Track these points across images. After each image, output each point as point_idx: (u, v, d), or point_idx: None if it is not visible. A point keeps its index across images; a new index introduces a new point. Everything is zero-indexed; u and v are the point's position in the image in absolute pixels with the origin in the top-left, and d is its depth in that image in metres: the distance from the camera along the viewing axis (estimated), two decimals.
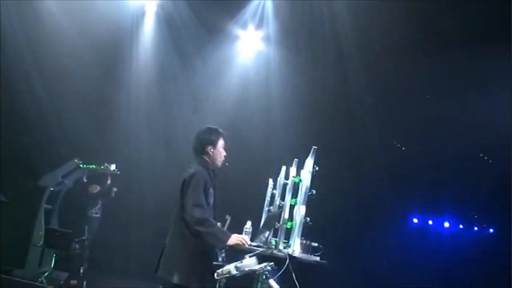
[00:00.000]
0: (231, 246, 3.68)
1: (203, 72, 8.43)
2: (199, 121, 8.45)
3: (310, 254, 4.04)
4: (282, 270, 3.44)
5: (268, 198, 4.76)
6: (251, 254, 3.42)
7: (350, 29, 8.08)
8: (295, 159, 4.22)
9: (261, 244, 3.85)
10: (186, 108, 8.56)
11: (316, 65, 8.56)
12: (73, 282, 6.63)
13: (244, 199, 7.08)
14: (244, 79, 8.62)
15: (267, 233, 4.24)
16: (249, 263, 3.37)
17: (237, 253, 3.71)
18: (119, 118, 8.31)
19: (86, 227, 7.04)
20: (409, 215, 10.46)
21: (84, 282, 6.63)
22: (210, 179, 3.90)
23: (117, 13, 7.49)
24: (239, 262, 3.43)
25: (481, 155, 9.59)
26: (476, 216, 10.16)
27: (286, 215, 4.04)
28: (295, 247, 3.53)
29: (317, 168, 3.65)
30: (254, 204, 6.42)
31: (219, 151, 4.03)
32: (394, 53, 8.08)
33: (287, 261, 3.47)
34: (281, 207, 4.39)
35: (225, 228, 5.45)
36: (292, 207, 4.10)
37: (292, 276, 3.47)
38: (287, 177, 4.44)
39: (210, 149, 3.97)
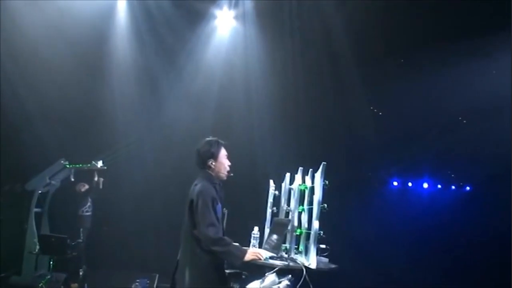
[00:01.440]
0: (247, 261, 3.83)
1: (184, 58, 8.40)
2: (185, 110, 8.53)
3: (319, 256, 4.31)
4: (300, 282, 3.68)
5: (270, 200, 4.94)
6: (271, 272, 3.63)
7: None
8: (300, 168, 4.39)
9: (275, 255, 4.06)
10: (170, 97, 8.52)
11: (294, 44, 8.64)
12: (74, 285, 6.74)
13: (243, 199, 7.23)
14: (225, 62, 8.60)
15: (274, 237, 4.48)
16: (271, 281, 3.59)
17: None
18: (104, 113, 8.21)
19: (81, 229, 7.09)
20: (389, 178, 10.84)
21: (85, 285, 6.74)
22: (216, 193, 3.90)
23: (90, 5, 7.27)
24: (261, 281, 3.66)
25: (460, 118, 9.94)
26: (453, 176, 10.61)
27: (295, 222, 4.29)
28: (312, 260, 3.73)
29: (327, 182, 3.81)
30: (253, 203, 6.68)
31: (222, 162, 4.02)
32: (377, 22, 8.17)
33: (304, 273, 3.70)
34: (287, 213, 4.63)
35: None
36: (299, 214, 4.35)
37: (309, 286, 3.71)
38: (291, 182, 4.66)
39: (211, 163, 3.96)
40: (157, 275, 7.61)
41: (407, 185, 10.79)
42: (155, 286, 7.49)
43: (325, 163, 3.85)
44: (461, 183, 10.51)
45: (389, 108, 10.32)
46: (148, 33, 8.12)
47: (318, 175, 3.89)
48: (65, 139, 7.73)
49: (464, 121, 10.32)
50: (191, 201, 3.84)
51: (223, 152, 4.07)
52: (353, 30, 8.64)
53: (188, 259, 3.86)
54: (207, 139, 4.09)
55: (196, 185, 3.92)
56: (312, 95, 9.39)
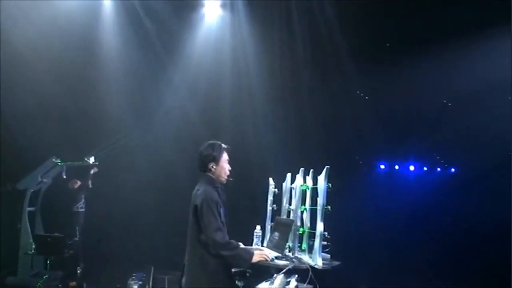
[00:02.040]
0: (255, 263, 4.00)
1: (173, 49, 8.46)
2: (177, 101, 8.60)
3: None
4: (307, 282, 3.88)
5: (270, 198, 5.12)
6: (280, 273, 3.82)
7: None
8: (301, 168, 4.56)
9: (280, 255, 4.26)
10: (161, 88, 8.58)
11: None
12: (72, 284, 6.84)
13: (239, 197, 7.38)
14: (215, 51, 8.66)
15: (276, 234, 4.68)
16: (280, 282, 3.79)
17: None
18: (95, 109, 8.22)
19: (77, 227, 7.17)
20: (376, 162, 11.09)
21: (84, 284, 6.84)
22: (219, 196, 4.03)
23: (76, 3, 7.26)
24: (270, 282, 3.85)
25: (445, 101, 10.20)
26: (438, 157, 10.91)
27: (298, 222, 4.48)
28: (318, 261, 3.93)
29: (331, 185, 3.99)
30: (249, 200, 6.85)
31: (223, 166, 4.14)
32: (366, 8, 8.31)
33: (310, 273, 3.90)
34: (289, 212, 4.81)
35: None
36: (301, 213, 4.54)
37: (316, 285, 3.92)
38: (291, 182, 4.83)
39: (212, 166, 4.07)
40: (152, 267, 7.77)
41: (394, 168, 11.09)
42: (151, 278, 7.65)
43: (328, 166, 4.02)
44: (446, 165, 10.85)
45: (375, 92, 10.54)
46: (136, 26, 8.13)
47: (321, 178, 4.06)
48: (57, 137, 7.73)
49: (449, 104, 10.65)
50: (195, 207, 3.96)
51: (224, 157, 4.18)
52: (342, 17, 8.79)
53: (195, 264, 3.99)
54: (210, 142, 4.19)
55: (198, 190, 4.03)
56: (301, 83, 9.56)
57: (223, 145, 4.20)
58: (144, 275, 7.57)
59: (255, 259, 3.96)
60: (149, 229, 8.55)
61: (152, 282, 7.56)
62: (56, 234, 7.13)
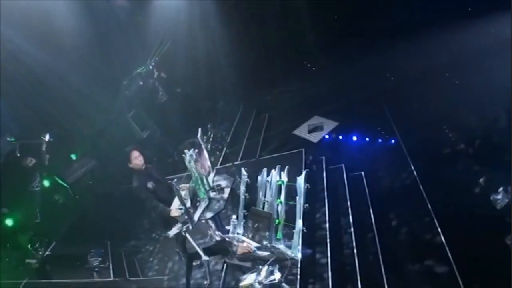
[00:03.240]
0: (239, 254, 4.56)
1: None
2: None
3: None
4: (287, 271, 4.50)
5: (243, 187, 5.63)
6: (265, 265, 4.40)
7: None
8: (278, 165, 5.08)
9: (259, 245, 4.82)
10: (120, 54, 8.65)
11: None
12: (34, 264, 7.00)
13: None
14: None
15: (250, 222, 5.23)
16: (266, 273, 4.36)
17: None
18: (49, 86, 8.14)
19: (37, 209, 7.26)
20: None
21: (47, 265, 7.03)
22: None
23: None
24: (256, 274, 4.41)
25: (388, 75, 11.05)
26: (379, 128, 11.84)
27: (275, 214, 5.05)
28: (298, 255, 4.54)
29: (308, 186, 4.56)
30: None
31: (202, 163, 4.68)
32: None
33: (289, 263, 4.52)
34: (264, 203, 5.35)
35: None
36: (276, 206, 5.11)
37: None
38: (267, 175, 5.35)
39: (193, 164, 4.58)
40: (109, 242, 8.11)
41: (338, 137, 11.88)
42: (109, 253, 7.99)
43: (307, 170, 4.58)
44: (387, 136, 11.79)
45: (323, 63, 11.20)
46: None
47: (300, 179, 4.61)
48: (11, 115, 7.63)
49: (392, 78, 11.57)
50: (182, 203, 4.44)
51: (204, 155, 4.66)
52: None
53: None
54: (190, 141, 4.66)
55: (179, 186, 4.52)
56: (257, 50, 9.99)
57: (202, 143, 4.66)
58: (103, 251, 7.87)
59: (240, 251, 4.52)
60: (104, 207, 8.82)
61: (111, 257, 7.91)
62: (3, 208, 7.21)
